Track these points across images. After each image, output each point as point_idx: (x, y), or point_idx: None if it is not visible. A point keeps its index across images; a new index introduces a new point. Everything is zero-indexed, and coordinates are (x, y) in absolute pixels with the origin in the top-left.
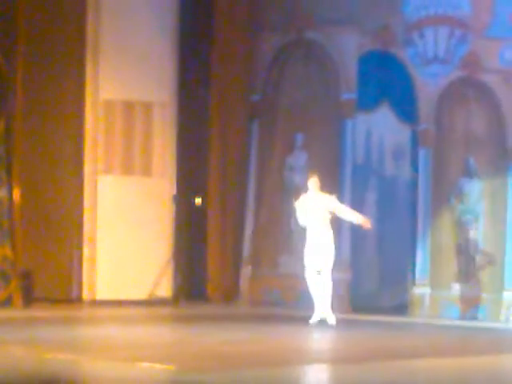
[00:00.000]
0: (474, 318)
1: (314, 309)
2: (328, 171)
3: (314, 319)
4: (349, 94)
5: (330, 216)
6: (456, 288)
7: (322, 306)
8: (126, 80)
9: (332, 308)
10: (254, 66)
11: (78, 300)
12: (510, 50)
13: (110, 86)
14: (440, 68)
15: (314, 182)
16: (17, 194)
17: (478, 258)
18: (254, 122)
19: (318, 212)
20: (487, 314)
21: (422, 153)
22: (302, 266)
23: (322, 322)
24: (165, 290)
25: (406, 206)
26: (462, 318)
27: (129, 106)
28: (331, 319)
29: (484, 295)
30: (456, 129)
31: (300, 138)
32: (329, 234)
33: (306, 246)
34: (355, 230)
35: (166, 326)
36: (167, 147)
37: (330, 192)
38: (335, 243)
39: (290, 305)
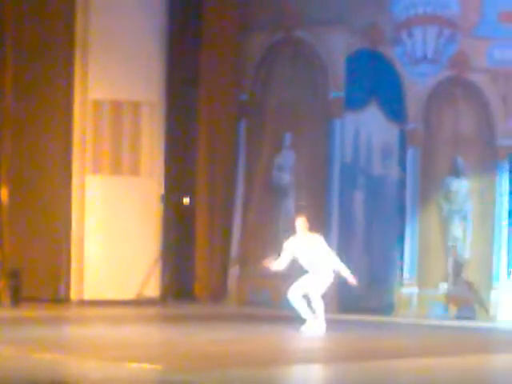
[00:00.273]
0: (463, 318)
1: (307, 320)
2: (316, 170)
3: (306, 326)
4: (337, 93)
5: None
6: (444, 288)
7: (311, 313)
8: (115, 80)
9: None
10: (242, 66)
11: (66, 300)
12: (499, 49)
13: (98, 86)
14: (428, 67)
15: (301, 223)
16: (5, 193)
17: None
18: (242, 122)
19: (310, 252)
20: (475, 313)
21: (410, 152)
22: (294, 268)
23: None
24: (153, 289)
25: (394, 206)
26: (450, 317)
27: (117, 106)
28: (321, 326)
29: (472, 295)
30: (444, 128)
31: (288, 138)
32: (324, 270)
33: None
34: (342, 230)
35: (153, 325)
36: (155, 147)
37: (317, 231)
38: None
39: (277, 305)
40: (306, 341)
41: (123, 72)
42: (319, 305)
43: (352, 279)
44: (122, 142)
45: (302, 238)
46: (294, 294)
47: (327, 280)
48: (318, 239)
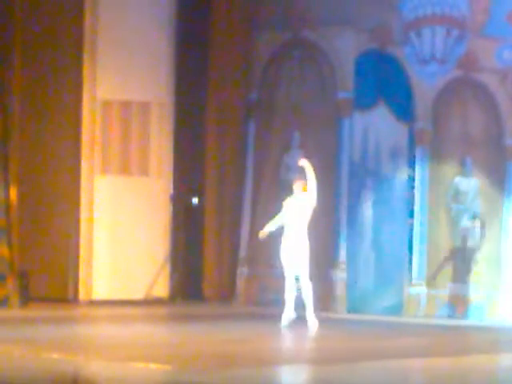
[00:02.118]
0: (472, 318)
1: (284, 311)
2: (325, 170)
3: (284, 321)
4: (345, 93)
5: (308, 219)
6: (452, 288)
7: (292, 307)
8: (123, 80)
9: (314, 311)
10: (251, 65)
11: (75, 300)
12: (507, 49)
13: (107, 86)
14: (437, 67)
15: (300, 185)
16: (14, 193)
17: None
18: (251, 121)
19: (298, 214)
20: (483, 313)
21: (418, 152)
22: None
23: (294, 322)
24: (161, 289)
25: (403, 205)
26: (458, 317)
27: (126, 106)
28: (313, 324)
29: (480, 294)
30: (453, 128)
31: (297, 137)
32: (305, 239)
33: (281, 247)
34: (351, 229)
35: (162, 325)
36: (164, 147)
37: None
38: (310, 248)
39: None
40: (314, 340)
41: (132, 72)
42: (309, 290)
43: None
44: (131, 143)
45: (296, 197)
46: (289, 275)
47: (307, 253)
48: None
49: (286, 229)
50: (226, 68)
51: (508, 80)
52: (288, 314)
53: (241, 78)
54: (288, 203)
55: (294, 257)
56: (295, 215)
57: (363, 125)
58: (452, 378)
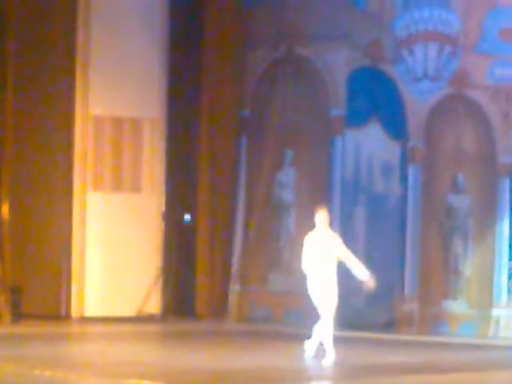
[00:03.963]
0: (464, 335)
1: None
2: (317, 187)
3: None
4: (338, 111)
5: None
6: (445, 304)
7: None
8: (116, 96)
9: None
10: (244, 82)
11: (67, 316)
12: (500, 66)
13: (99, 103)
14: (430, 84)
15: (322, 218)
16: (5, 210)
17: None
18: (243, 138)
19: (325, 251)
20: (476, 330)
21: (411, 169)
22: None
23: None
24: (154, 306)
25: (395, 223)
26: (451, 334)
27: (118, 122)
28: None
29: (473, 311)
30: (445, 145)
31: (289, 154)
32: (334, 276)
33: (309, 285)
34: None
35: (154, 342)
36: (156, 163)
37: (334, 228)
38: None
39: (278, 321)
40: (307, 358)
41: (124, 88)
42: (330, 328)
43: (370, 282)
44: (123, 159)
45: (321, 234)
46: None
47: (336, 289)
48: (336, 240)
49: (314, 268)
50: (218, 85)
51: (500, 96)
52: (314, 344)
53: (233, 94)
54: (313, 242)
55: (324, 296)
56: (325, 256)
57: (355, 142)
58: None
